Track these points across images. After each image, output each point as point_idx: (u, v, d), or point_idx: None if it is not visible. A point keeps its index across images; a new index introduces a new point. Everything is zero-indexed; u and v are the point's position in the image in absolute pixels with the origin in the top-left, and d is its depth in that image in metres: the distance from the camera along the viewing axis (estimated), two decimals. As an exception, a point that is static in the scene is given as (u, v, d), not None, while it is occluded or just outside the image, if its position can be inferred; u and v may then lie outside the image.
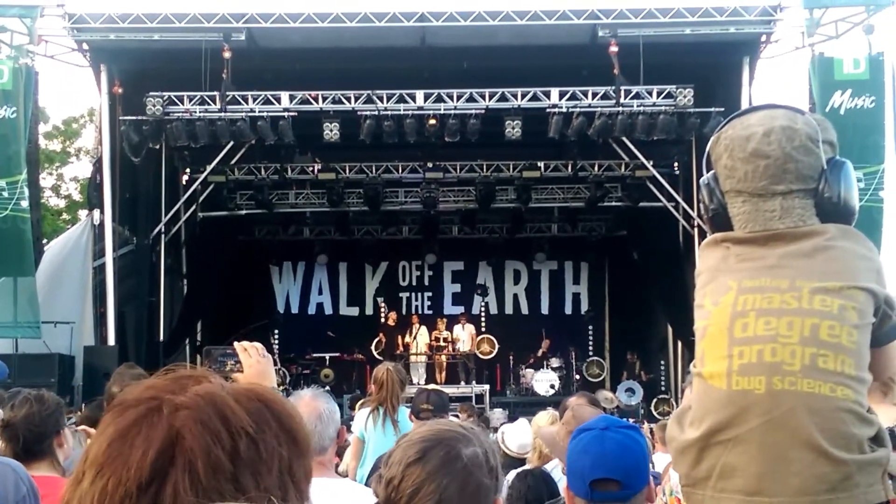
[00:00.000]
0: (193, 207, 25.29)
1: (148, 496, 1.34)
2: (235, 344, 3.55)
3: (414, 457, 2.39)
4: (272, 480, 1.45)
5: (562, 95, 21.11)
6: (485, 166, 24.61)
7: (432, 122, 21.32)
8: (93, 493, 1.36)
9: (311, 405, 4.24)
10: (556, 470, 6.16)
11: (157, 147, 22.16)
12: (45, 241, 22.76)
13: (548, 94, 21.15)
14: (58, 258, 21.56)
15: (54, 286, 20.77)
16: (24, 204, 18.99)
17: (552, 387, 24.05)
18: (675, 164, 24.57)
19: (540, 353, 25.59)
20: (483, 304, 28.70)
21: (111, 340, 20.50)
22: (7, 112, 18.97)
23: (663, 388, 24.92)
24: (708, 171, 2.54)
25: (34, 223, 19.65)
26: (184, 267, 26.20)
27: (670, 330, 24.74)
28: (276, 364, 23.46)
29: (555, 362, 25.13)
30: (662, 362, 25.73)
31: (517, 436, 7.64)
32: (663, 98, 20.70)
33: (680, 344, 23.98)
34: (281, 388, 21.98)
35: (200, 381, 1.50)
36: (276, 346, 26.69)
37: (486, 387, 23.39)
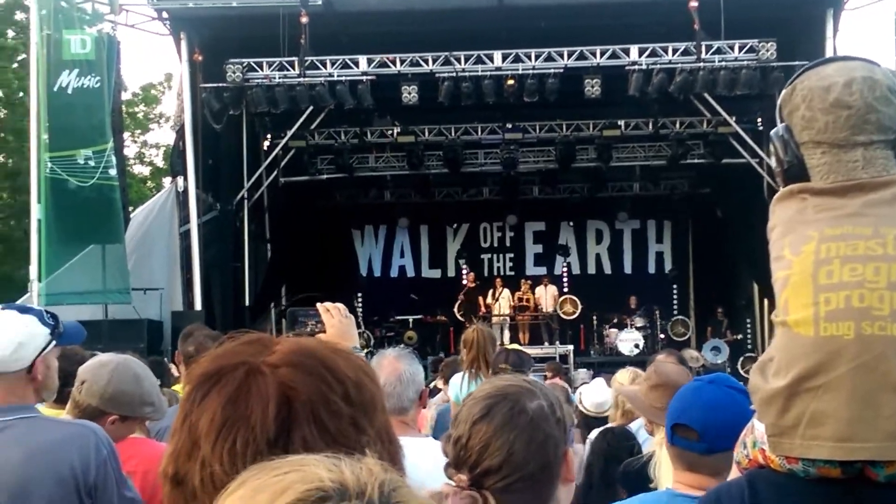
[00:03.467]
0: (275, 173, 25.48)
1: (278, 448, 1.39)
2: (318, 304, 3.57)
3: (479, 414, 2.40)
4: (380, 420, 1.54)
5: (641, 52, 20.88)
6: (564, 126, 24.47)
7: (511, 82, 21.23)
8: (220, 456, 1.41)
9: (393, 365, 4.25)
10: (641, 430, 6.13)
11: (238, 113, 22.34)
12: (131, 208, 23.13)
13: (627, 52, 20.94)
14: (144, 225, 21.90)
15: (142, 253, 21.12)
16: (112, 172, 19.29)
17: (636, 346, 23.94)
18: (759, 119, 24.16)
19: (624, 312, 25.46)
20: (565, 264, 28.61)
21: (198, 305, 20.80)
22: (91, 81, 19.24)
23: (749, 347, 24.67)
24: (780, 124, 2.50)
25: (121, 191, 19.96)
26: (267, 232, 26.45)
27: (756, 288, 24.44)
28: (359, 327, 23.71)
29: (639, 322, 25.00)
30: (748, 320, 25.46)
31: (593, 395, 7.62)
32: (745, 52, 20.38)
33: (766, 302, 23.67)
34: (365, 350, 22.12)
35: (277, 342, 1.57)
36: (360, 310, 26.85)
37: (570, 347, 23.33)
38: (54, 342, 3.55)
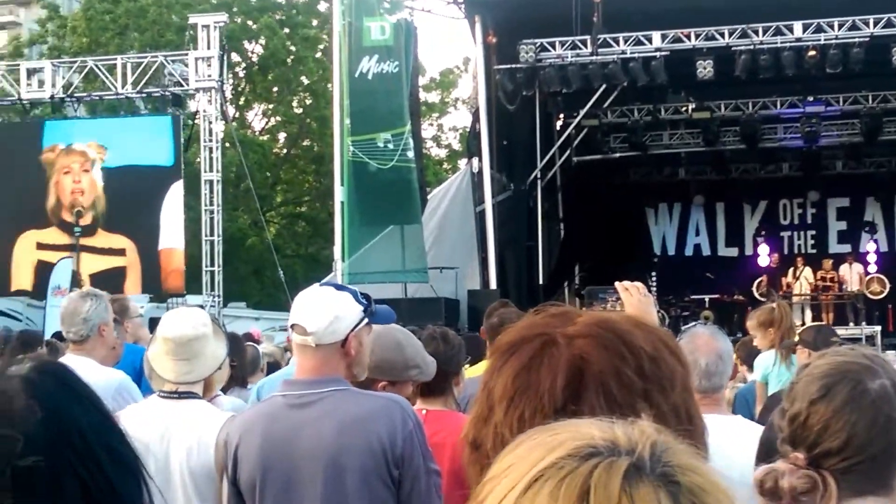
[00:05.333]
0: (568, 152, 25.57)
1: (565, 417, 1.39)
2: (616, 283, 3.54)
3: (817, 393, 2.30)
4: (677, 396, 1.55)
5: (956, 17, 19.66)
6: (870, 97, 23.38)
7: (812, 53, 20.45)
8: (510, 423, 1.49)
9: (711, 344, 4.17)
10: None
11: (531, 94, 22.47)
12: (428, 189, 23.76)
13: (940, 17, 19.76)
14: (440, 206, 22.44)
15: (438, 233, 21.65)
16: (410, 154, 19.88)
17: (951, 328, 22.65)
18: None
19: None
20: (872, 241, 27.33)
21: (493, 284, 21.08)
22: (390, 67, 19.87)
23: None
24: None
25: (418, 172, 20.51)
26: (560, 211, 26.59)
27: None
28: (654, 305, 23.39)
29: (954, 302, 23.65)
30: None
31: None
32: None
33: None
34: (659, 330, 21.90)
35: (580, 315, 1.62)
36: (654, 288, 26.53)
37: (878, 328, 22.29)
38: (367, 320, 3.69)
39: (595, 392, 1.48)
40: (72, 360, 5.25)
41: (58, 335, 8.61)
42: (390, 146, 19.77)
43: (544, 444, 1.04)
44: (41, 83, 23.46)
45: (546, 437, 1.05)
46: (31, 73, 23.87)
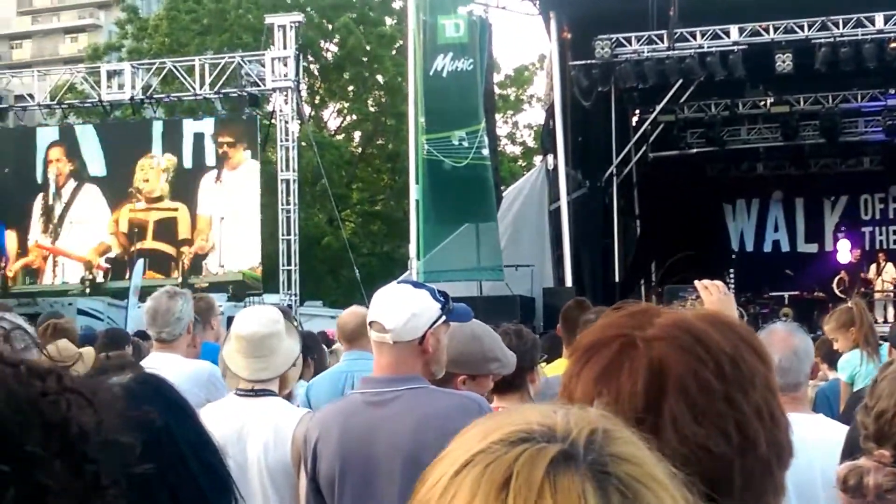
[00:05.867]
0: (644, 148, 25.39)
1: (646, 424, 1.41)
2: (696, 282, 3.51)
3: None
4: (758, 396, 1.54)
5: None
6: (955, 89, 22.97)
7: (894, 45, 20.11)
8: None
9: (786, 340, 4.11)
10: None
11: (607, 89, 22.33)
12: (502, 187, 23.73)
13: None
14: (515, 203, 22.41)
15: (513, 231, 21.63)
16: (485, 152, 19.88)
17: None
18: None
19: None
20: (957, 236, 26.88)
21: (568, 282, 21.00)
22: (464, 64, 19.88)
23: None
24: None
25: (493, 170, 20.49)
26: (636, 208, 26.42)
27: None
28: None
29: None
30: None
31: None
32: None
33: None
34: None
35: (659, 314, 1.60)
36: (732, 286, 26.18)
37: (961, 325, 21.84)
38: (444, 318, 3.69)
39: (675, 397, 1.48)
40: (160, 357, 5.33)
41: (139, 334, 8.73)
42: (465, 144, 19.79)
43: (484, 429, 1.03)
44: (121, 86, 23.87)
45: (488, 422, 1.05)
46: (111, 75, 24.30)
